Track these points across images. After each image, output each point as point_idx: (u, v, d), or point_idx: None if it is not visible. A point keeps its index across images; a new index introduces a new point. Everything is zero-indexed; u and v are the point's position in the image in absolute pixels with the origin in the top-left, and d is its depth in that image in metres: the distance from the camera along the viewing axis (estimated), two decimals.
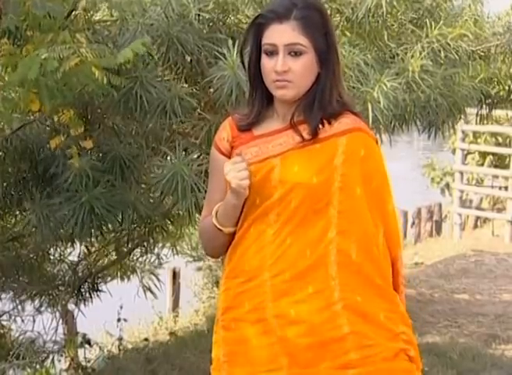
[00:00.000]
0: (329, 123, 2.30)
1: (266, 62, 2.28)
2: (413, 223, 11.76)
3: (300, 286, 2.25)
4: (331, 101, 2.30)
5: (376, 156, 2.34)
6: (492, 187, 12.64)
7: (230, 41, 3.66)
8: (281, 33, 2.25)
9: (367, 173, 2.30)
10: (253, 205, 2.30)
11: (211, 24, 4.02)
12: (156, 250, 6.36)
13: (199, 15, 3.90)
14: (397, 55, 4.26)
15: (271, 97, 2.34)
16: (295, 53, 2.26)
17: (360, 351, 2.23)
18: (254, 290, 2.29)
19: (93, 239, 5.03)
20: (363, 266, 2.27)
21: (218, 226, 2.35)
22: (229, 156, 2.36)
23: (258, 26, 2.30)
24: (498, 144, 12.20)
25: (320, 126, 2.29)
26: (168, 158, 3.70)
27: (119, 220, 4.13)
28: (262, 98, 2.35)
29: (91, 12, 3.87)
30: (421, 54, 4.15)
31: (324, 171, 2.27)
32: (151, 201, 4.35)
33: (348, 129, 2.30)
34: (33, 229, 4.27)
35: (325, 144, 2.28)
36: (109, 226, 4.17)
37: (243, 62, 2.44)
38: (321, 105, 2.29)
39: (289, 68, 2.26)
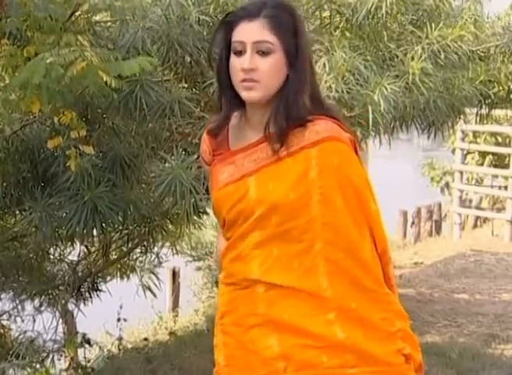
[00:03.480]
0: (292, 131, 2.24)
1: (234, 61, 2.25)
2: (412, 223, 11.77)
3: (293, 293, 2.24)
4: (296, 106, 2.24)
5: (350, 161, 2.29)
6: (492, 186, 12.65)
7: None
8: (249, 31, 2.22)
9: (343, 180, 2.26)
10: (235, 224, 2.30)
11: (210, 25, 4.02)
12: (156, 249, 6.36)
13: (199, 17, 3.90)
14: (397, 56, 4.26)
15: (243, 103, 2.30)
16: (263, 52, 2.22)
17: (357, 353, 2.24)
18: (247, 296, 2.29)
19: (94, 238, 5.04)
20: (353, 273, 2.26)
21: None
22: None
23: (228, 24, 2.27)
24: (497, 144, 12.21)
25: (287, 135, 2.24)
26: (167, 162, 3.68)
27: (121, 219, 4.13)
28: (230, 102, 2.31)
29: (91, 13, 3.87)
30: (421, 56, 4.15)
31: (299, 186, 2.24)
32: (151, 200, 4.35)
33: (318, 140, 2.25)
34: (34, 229, 4.27)
35: (297, 158, 2.25)
36: (111, 224, 4.17)
37: (210, 64, 2.42)
38: (285, 110, 2.24)
39: (257, 66, 2.22)
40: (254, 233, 2.28)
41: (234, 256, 2.32)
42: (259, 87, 2.23)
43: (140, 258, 6.34)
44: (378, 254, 2.32)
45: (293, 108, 2.24)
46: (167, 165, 3.61)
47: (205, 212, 4.44)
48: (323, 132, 2.27)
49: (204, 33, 3.92)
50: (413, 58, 4.14)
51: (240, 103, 2.31)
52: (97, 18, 4.08)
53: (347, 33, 4.23)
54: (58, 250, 5.44)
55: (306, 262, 2.25)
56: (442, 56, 4.31)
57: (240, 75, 2.24)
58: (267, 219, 2.26)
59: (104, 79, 3.20)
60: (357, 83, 3.79)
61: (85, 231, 3.93)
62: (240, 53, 2.24)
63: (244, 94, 2.26)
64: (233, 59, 2.26)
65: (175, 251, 7.04)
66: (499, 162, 12.30)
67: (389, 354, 2.28)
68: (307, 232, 2.24)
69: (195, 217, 4.08)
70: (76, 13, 3.67)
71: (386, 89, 3.78)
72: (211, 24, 3.99)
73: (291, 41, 2.24)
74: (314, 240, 2.25)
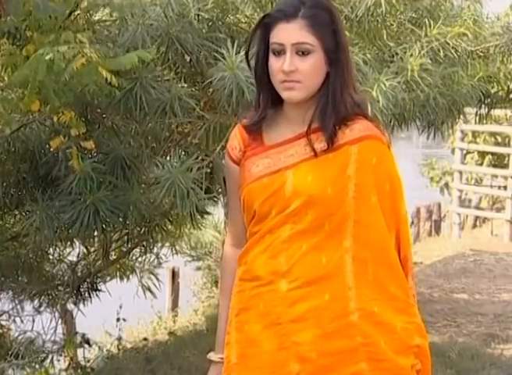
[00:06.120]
0: (339, 128, 2.26)
1: (274, 62, 2.25)
2: (412, 223, 11.76)
3: (317, 292, 2.23)
4: (343, 103, 2.25)
5: (388, 162, 2.31)
6: (491, 186, 12.66)
7: (229, 41, 3.65)
8: (288, 33, 2.22)
9: (379, 179, 2.27)
10: (268, 216, 2.28)
11: (210, 24, 4.02)
12: (155, 249, 6.36)
13: (198, 14, 3.90)
14: (396, 54, 4.26)
15: (280, 100, 2.30)
16: (302, 52, 2.22)
17: (371, 363, 2.21)
18: (269, 293, 2.27)
19: (95, 239, 5.04)
20: (379, 275, 2.25)
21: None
22: (239, 164, 2.35)
23: (266, 25, 2.27)
24: (497, 144, 12.22)
25: (334, 134, 2.25)
26: (167, 163, 3.66)
27: (122, 221, 4.12)
28: (268, 100, 2.31)
29: (91, 12, 3.87)
30: (420, 53, 4.15)
31: (338, 181, 2.24)
32: (151, 200, 4.35)
33: (360, 137, 2.27)
34: (34, 229, 4.26)
35: (338, 154, 2.25)
36: (112, 226, 4.16)
37: (248, 64, 2.41)
38: (334, 108, 2.25)
39: (297, 68, 2.22)
40: (285, 226, 2.26)
41: (261, 250, 2.29)
42: (300, 87, 2.24)
43: (140, 259, 6.34)
44: (401, 259, 2.32)
45: (341, 105, 2.25)
46: (168, 164, 3.59)
47: (206, 213, 4.44)
48: (365, 130, 2.28)
49: (204, 31, 3.92)
50: (412, 56, 4.14)
51: (277, 101, 2.31)
52: (97, 17, 4.08)
53: (346, 32, 4.22)
54: (58, 250, 5.44)
55: (334, 259, 2.23)
56: (442, 54, 4.31)
57: (280, 76, 2.24)
58: (301, 214, 2.25)
59: (104, 75, 3.19)
60: (356, 80, 3.78)
61: (86, 233, 3.93)
62: (278, 54, 2.24)
63: (285, 95, 2.26)
64: (272, 60, 2.26)
65: (174, 252, 7.03)
66: (499, 162, 12.31)
67: (405, 368, 2.25)
68: (338, 228, 2.24)
69: (199, 217, 4.08)
70: (76, 12, 3.66)
71: (385, 85, 3.78)
72: (210, 22, 3.99)
73: (330, 39, 2.24)
74: (344, 236, 2.24)
